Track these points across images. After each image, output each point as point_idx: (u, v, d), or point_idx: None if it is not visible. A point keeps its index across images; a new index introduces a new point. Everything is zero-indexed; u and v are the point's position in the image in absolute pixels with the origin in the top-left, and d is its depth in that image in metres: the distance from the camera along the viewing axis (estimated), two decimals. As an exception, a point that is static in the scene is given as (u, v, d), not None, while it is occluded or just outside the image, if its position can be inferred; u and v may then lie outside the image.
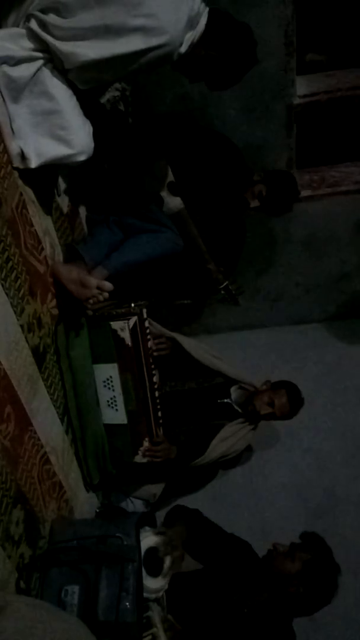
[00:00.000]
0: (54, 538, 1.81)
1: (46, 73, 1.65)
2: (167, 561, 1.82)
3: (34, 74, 1.63)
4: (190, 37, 1.68)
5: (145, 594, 1.68)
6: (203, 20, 1.70)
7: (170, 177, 2.34)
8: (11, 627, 0.95)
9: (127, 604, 1.59)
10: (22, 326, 1.71)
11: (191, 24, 1.67)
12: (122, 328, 2.05)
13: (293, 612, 1.97)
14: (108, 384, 2.12)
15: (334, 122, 2.92)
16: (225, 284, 2.53)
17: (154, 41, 1.59)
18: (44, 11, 1.57)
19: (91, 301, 1.98)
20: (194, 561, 2.08)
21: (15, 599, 1.07)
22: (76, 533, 1.81)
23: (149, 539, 1.84)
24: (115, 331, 2.06)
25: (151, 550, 1.82)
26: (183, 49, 1.68)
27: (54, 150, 1.69)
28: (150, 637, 1.61)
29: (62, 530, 1.84)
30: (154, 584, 1.77)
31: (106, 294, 1.96)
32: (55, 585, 1.66)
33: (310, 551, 2.01)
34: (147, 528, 1.91)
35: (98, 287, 1.95)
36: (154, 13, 1.56)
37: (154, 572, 1.79)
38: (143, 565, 1.72)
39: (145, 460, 2.20)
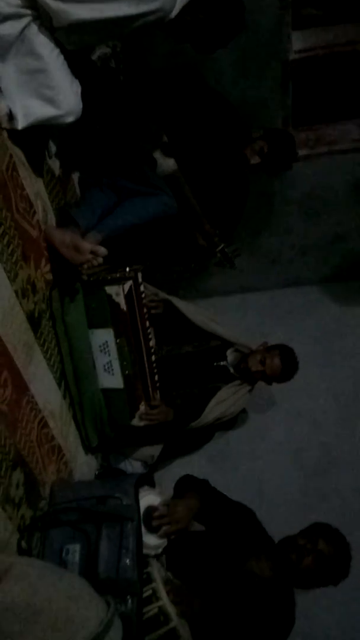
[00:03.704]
0: (54, 499, 1.84)
1: (33, 31, 1.60)
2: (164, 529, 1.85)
3: (21, 32, 1.58)
4: (182, 0, 1.64)
5: (145, 551, 1.72)
6: None
7: (164, 137, 2.30)
8: (17, 589, 0.98)
9: (127, 560, 1.63)
10: (16, 292, 1.70)
11: None
12: (117, 293, 2.04)
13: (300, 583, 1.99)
14: (104, 348, 2.12)
15: (331, 79, 2.85)
16: (221, 246, 2.51)
17: (145, 7, 1.56)
18: None
19: (85, 266, 1.97)
20: (196, 523, 2.11)
21: (19, 561, 1.10)
22: (76, 494, 1.84)
23: (148, 498, 1.87)
24: (110, 296, 2.05)
25: (150, 508, 1.85)
26: (174, 14, 1.64)
27: (40, 110, 1.66)
28: (150, 591, 1.65)
29: (62, 492, 1.87)
30: (153, 541, 1.80)
31: (100, 259, 1.95)
32: (56, 545, 1.69)
33: (334, 545, 1.94)
34: (145, 487, 1.94)
35: (92, 252, 1.94)
36: None
37: (154, 530, 1.83)
38: (142, 523, 1.76)
39: (142, 423, 2.23)
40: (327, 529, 2.00)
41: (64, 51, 1.68)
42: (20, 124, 1.65)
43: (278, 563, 1.92)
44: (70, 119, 1.71)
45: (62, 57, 1.67)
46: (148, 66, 2.48)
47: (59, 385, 2.05)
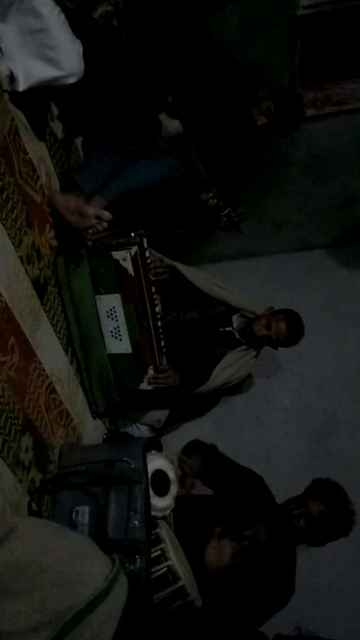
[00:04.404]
0: (63, 463, 1.87)
1: (33, -12, 1.55)
2: (174, 487, 1.88)
3: None
4: None
5: (153, 513, 1.75)
6: None
7: (169, 98, 2.24)
8: (21, 547, 0.99)
9: (136, 522, 1.66)
10: (21, 258, 1.70)
11: None
12: (124, 258, 2.03)
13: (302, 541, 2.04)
14: (111, 314, 2.12)
15: (340, 35, 2.76)
16: (227, 210, 2.47)
17: None
18: None
19: (90, 231, 1.95)
20: (204, 487, 2.14)
21: (24, 521, 1.11)
22: (85, 458, 1.86)
23: (156, 462, 1.90)
24: (117, 261, 2.04)
25: (158, 471, 1.88)
26: None
27: (42, 71, 1.62)
28: (159, 552, 1.69)
29: (71, 456, 1.89)
30: (161, 503, 1.84)
31: (105, 224, 1.93)
32: (66, 507, 1.73)
33: (325, 502, 1.96)
34: (153, 452, 1.97)
35: (96, 217, 1.92)
36: None
37: (161, 492, 1.86)
38: (150, 485, 1.79)
39: (150, 387, 2.24)
40: (317, 487, 2.03)
41: (65, 10, 1.63)
42: (22, 86, 1.62)
43: (276, 529, 1.97)
44: (72, 80, 1.68)
45: (63, 15, 1.62)
46: (152, 24, 2.41)
47: (66, 351, 2.06)
